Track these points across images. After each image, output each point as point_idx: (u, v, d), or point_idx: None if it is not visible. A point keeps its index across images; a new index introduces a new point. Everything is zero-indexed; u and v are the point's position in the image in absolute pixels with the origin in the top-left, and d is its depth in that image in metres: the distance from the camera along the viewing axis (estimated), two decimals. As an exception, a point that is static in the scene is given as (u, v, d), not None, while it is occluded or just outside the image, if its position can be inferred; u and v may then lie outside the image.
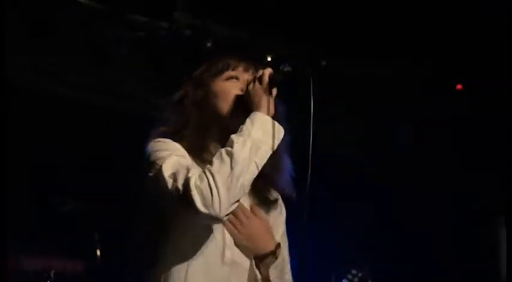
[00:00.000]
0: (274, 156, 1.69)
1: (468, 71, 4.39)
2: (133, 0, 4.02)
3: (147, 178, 1.67)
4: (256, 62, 1.86)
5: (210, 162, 1.61)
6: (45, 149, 3.82)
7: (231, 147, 1.58)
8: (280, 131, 1.67)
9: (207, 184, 1.53)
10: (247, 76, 1.79)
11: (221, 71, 1.81)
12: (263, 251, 1.74)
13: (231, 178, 1.55)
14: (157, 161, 1.65)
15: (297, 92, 1.68)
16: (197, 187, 1.53)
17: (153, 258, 1.72)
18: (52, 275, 3.16)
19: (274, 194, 1.86)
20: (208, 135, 1.78)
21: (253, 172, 1.60)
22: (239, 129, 1.64)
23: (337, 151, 4.76)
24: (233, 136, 1.61)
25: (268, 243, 1.76)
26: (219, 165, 1.56)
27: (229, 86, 1.78)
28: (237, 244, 1.74)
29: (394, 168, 4.74)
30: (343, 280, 3.78)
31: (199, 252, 1.66)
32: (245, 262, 1.75)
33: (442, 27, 4.06)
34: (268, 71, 1.69)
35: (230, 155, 1.57)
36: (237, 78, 1.80)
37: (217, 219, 1.57)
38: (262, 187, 1.79)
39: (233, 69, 1.81)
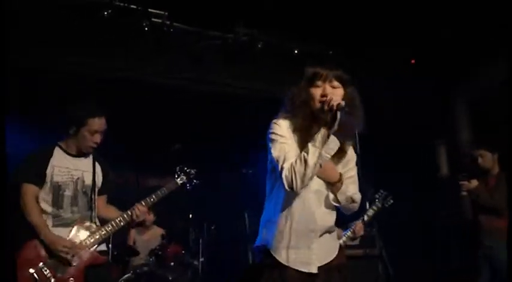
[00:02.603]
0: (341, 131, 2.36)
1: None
2: (211, 22, 5.59)
3: (268, 146, 2.45)
4: (330, 72, 2.46)
5: (308, 142, 2.34)
6: (179, 119, 5.90)
7: (307, 154, 2.31)
8: (336, 143, 2.37)
9: (290, 176, 2.33)
10: (325, 84, 2.45)
11: (312, 81, 2.47)
12: (333, 180, 2.49)
13: (304, 175, 2.33)
14: (272, 140, 2.43)
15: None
16: (286, 177, 2.34)
17: (270, 192, 2.56)
18: (165, 189, 3.80)
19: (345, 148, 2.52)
20: (308, 121, 2.45)
21: (316, 169, 2.35)
22: (313, 139, 2.34)
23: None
24: (310, 145, 2.33)
25: (334, 176, 2.49)
26: (299, 166, 2.32)
27: (316, 93, 2.45)
28: (319, 178, 2.47)
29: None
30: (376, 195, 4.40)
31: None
32: (323, 190, 2.51)
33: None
34: (337, 102, 2.34)
35: (305, 161, 2.31)
36: (319, 86, 2.46)
37: (295, 192, 2.38)
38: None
39: (318, 80, 2.46)
